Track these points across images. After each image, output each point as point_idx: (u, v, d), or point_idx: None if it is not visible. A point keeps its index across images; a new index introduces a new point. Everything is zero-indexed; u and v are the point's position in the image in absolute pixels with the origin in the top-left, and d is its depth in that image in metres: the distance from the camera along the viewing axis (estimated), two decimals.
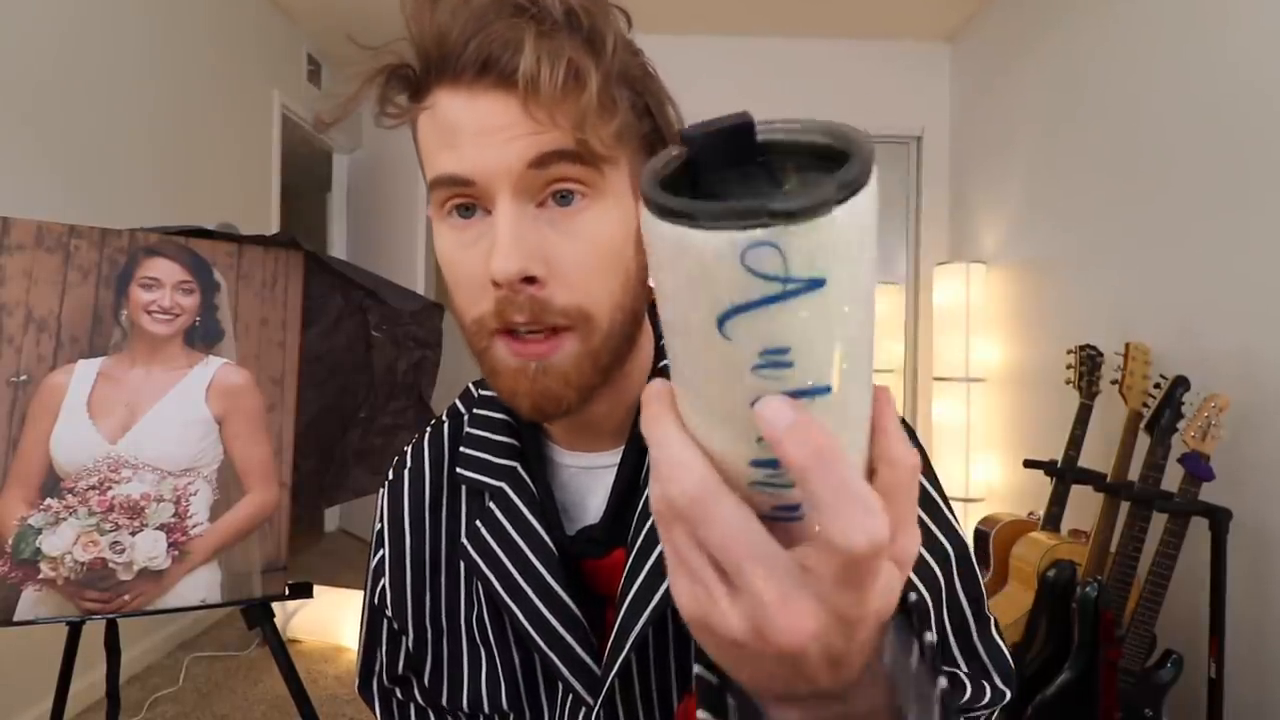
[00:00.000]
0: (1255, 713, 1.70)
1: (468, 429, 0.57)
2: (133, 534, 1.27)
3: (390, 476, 0.61)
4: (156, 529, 1.28)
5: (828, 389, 0.23)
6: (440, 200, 0.45)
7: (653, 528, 0.48)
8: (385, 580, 0.58)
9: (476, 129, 0.42)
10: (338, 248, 4.11)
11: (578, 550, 0.52)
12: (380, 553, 0.59)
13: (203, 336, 1.36)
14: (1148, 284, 2.15)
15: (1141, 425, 1.85)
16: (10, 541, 1.20)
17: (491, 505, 0.53)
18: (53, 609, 1.22)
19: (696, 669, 0.31)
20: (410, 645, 0.58)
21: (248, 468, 1.37)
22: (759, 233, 0.20)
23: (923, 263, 3.47)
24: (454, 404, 0.61)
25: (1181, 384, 1.76)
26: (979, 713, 0.51)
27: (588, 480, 0.54)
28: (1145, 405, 1.89)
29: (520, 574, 0.51)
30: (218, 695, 2.38)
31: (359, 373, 1.65)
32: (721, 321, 0.21)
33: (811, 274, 0.20)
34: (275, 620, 1.40)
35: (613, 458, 0.52)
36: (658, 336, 0.54)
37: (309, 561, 3.60)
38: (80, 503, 1.25)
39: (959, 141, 3.42)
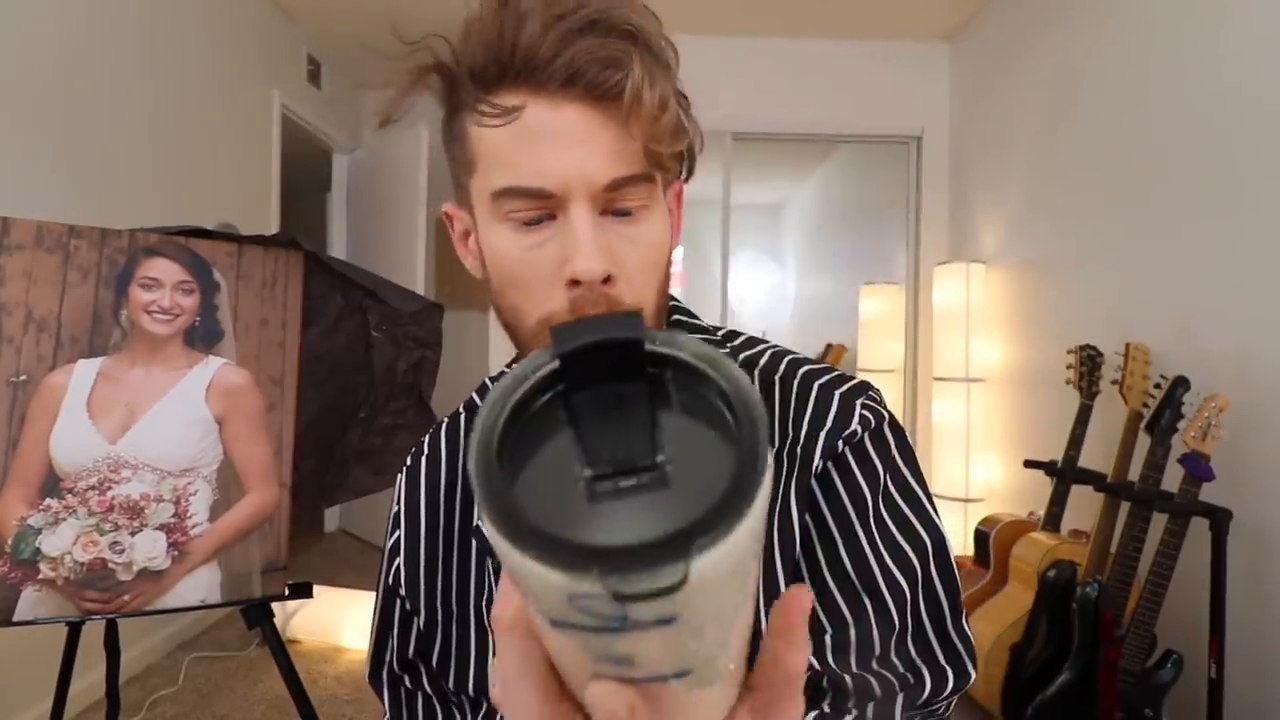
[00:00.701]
0: (1255, 713, 1.70)
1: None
2: (132, 534, 1.27)
3: (409, 462, 0.63)
4: (156, 529, 1.28)
5: (683, 674, 0.20)
6: (507, 211, 0.47)
7: None
8: (400, 560, 0.60)
9: (559, 138, 0.44)
10: (338, 248, 4.11)
11: None
12: (396, 534, 0.61)
13: (203, 336, 1.36)
14: (1148, 284, 2.15)
15: (1141, 425, 1.85)
16: (10, 541, 1.20)
17: None
18: (52, 609, 1.22)
19: None
20: (421, 625, 0.60)
21: (248, 468, 1.37)
22: (587, 586, 0.17)
23: (923, 263, 3.47)
24: (470, 397, 0.63)
25: (1181, 384, 1.76)
26: (943, 702, 0.52)
27: None
28: (1145, 405, 1.89)
29: None
30: (217, 695, 2.38)
31: (359, 373, 1.65)
32: (555, 623, 0.19)
33: (658, 617, 0.17)
34: (275, 620, 1.40)
35: None
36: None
37: (309, 561, 3.60)
38: (80, 503, 1.25)
39: (959, 141, 3.42)
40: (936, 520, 0.55)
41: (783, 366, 0.57)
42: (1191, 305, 1.96)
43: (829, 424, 0.54)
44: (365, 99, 4.29)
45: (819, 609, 0.52)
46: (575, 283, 0.46)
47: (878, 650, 0.51)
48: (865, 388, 0.57)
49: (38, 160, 2.06)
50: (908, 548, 0.53)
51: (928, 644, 0.53)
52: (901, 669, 0.51)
